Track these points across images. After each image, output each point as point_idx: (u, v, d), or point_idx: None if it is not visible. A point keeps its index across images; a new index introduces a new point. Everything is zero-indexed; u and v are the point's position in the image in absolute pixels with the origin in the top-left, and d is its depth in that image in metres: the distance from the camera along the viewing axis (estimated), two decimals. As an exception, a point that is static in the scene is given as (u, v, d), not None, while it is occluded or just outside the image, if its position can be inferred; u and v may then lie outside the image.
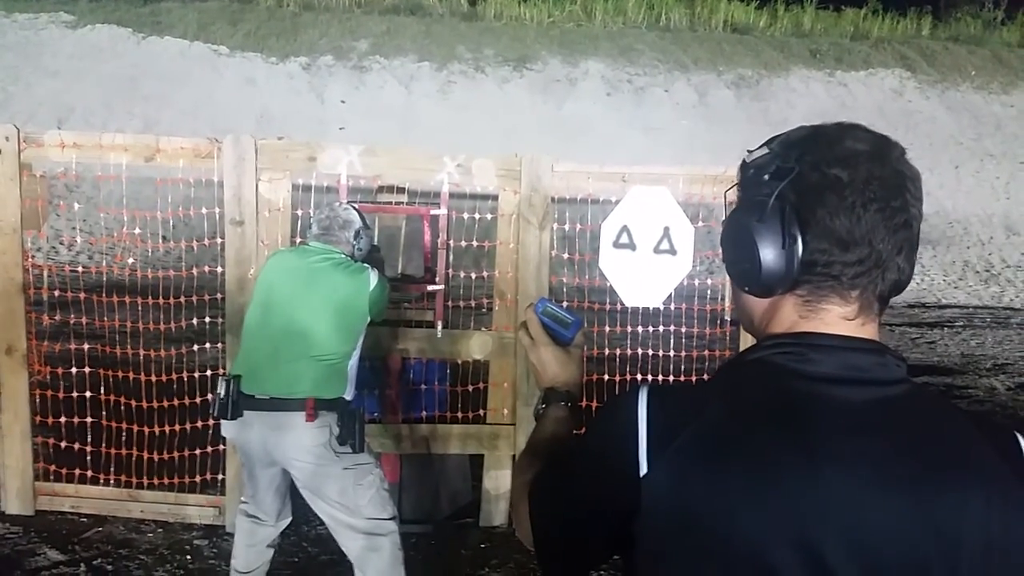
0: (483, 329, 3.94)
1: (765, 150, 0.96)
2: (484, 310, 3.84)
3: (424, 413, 3.86)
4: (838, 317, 0.92)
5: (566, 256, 4.07)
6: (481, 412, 3.92)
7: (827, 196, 0.90)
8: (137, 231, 4.01)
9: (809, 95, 16.96)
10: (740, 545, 0.86)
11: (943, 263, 12.23)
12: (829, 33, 18.84)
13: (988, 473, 0.86)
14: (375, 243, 3.23)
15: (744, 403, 0.91)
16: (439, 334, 3.75)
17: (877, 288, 0.92)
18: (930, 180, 14.86)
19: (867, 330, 0.93)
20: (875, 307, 0.93)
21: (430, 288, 3.74)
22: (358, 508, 2.75)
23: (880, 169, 0.90)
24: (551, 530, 1.02)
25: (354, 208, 3.00)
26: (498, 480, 3.91)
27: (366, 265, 2.88)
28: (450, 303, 3.89)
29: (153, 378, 3.92)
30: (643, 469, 0.90)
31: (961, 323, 9.77)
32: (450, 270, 3.89)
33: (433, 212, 3.76)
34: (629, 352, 4.04)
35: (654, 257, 3.71)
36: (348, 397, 2.78)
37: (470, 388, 3.97)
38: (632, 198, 3.74)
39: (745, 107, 17.01)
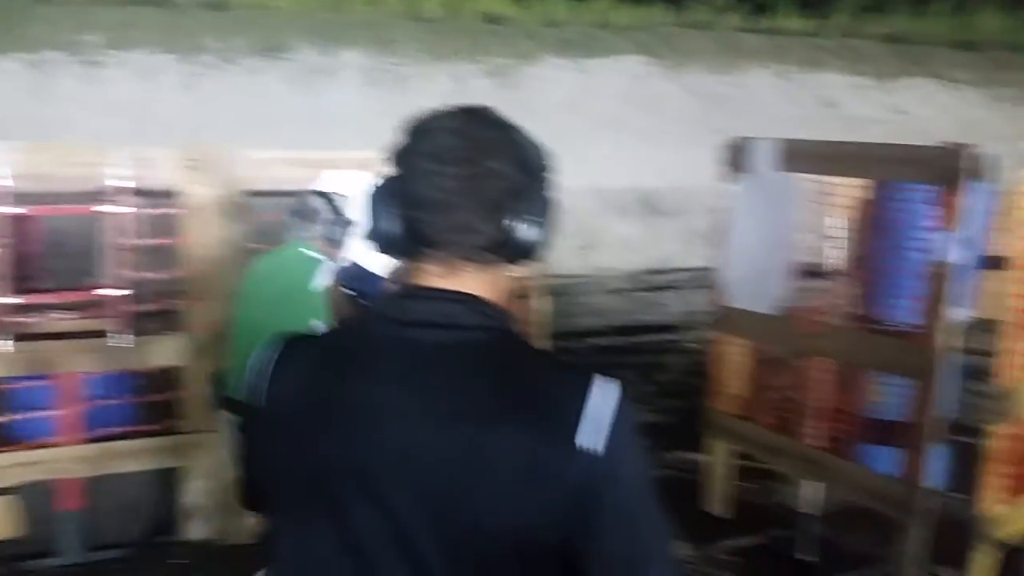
0: (174, 333, 3.71)
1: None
2: (175, 312, 3.60)
3: (110, 430, 3.58)
4: (432, 273, 1.04)
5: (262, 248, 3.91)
6: (175, 422, 3.69)
7: (412, 167, 1.03)
8: None
9: (559, 82, 17.65)
10: (311, 470, 1.00)
11: (678, 231, 13.21)
12: (577, 23, 19.67)
13: (532, 410, 0.96)
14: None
15: (338, 345, 1.08)
16: (122, 342, 3.48)
17: (465, 246, 1.02)
18: (672, 158, 16.05)
19: (462, 283, 1.03)
20: (469, 264, 1.04)
21: (106, 293, 3.46)
22: None
23: (455, 139, 1.02)
24: (242, 473, 1.19)
25: (320, 194, 2.95)
26: (198, 492, 3.71)
27: (321, 261, 2.86)
28: (135, 308, 3.62)
29: None
30: (263, 403, 1.07)
31: (692, 285, 10.65)
32: (133, 272, 3.62)
33: (105, 209, 3.47)
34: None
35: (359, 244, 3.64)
36: None
37: (161, 397, 3.72)
38: (326, 184, 3.63)
39: (502, 95, 17.39)
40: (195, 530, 3.74)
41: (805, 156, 3.47)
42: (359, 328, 1.13)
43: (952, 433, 3.23)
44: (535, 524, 0.97)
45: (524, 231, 1.04)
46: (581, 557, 0.99)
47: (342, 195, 3.01)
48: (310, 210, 2.92)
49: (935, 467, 3.82)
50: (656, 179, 15.21)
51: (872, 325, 3.70)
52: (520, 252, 1.06)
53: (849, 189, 3.50)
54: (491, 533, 0.96)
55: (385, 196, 1.05)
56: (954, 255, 2.90)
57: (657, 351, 7.42)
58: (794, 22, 19.31)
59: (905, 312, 3.14)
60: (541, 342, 5.21)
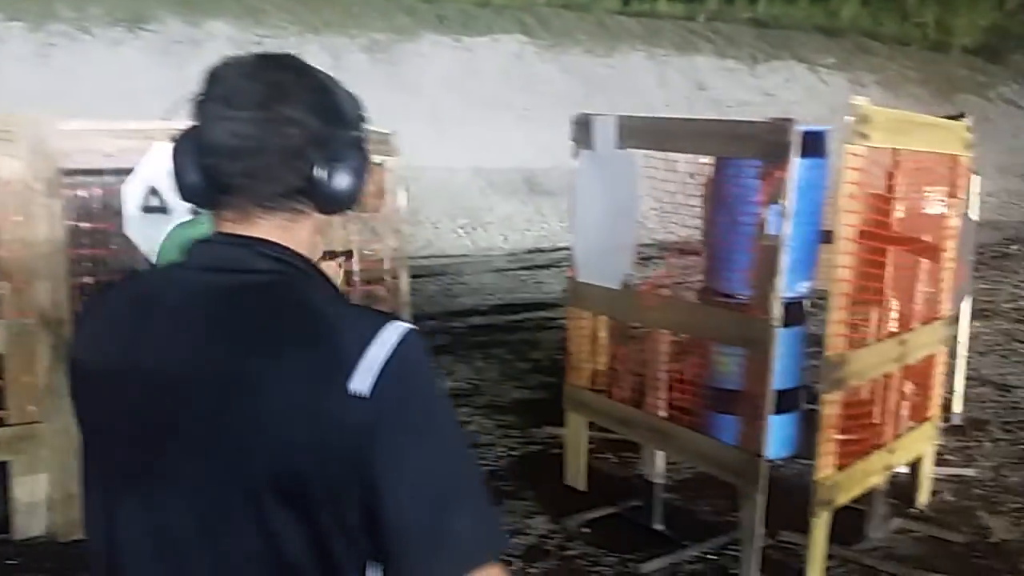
0: (-8, 319, 3.44)
1: None
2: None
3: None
4: (228, 220, 1.04)
5: (86, 226, 3.66)
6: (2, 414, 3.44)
7: (206, 113, 1.00)
8: None
9: (439, 60, 17.46)
10: (94, 424, 1.06)
11: (559, 211, 13.34)
12: (456, 0, 19.44)
13: (311, 351, 0.95)
14: None
15: (137, 293, 1.09)
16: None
17: (261, 193, 1.02)
18: (552, 139, 16.22)
19: (258, 230, 1.03)
20: (267, 211, 1.03)
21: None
22: None
23: (248, 83, 0.99)
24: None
25: None
26: (32, 486, 3.47)
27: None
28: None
29: None
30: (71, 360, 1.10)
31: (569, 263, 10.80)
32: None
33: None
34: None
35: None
36: None
37: (-18, 387, 3.46)
38: (155, 157, 3.43)
39: (380, 71, 17.07)
40: (29, 527, 3.50)
41: (642, 132, 3.51)
42: (162, 275, 1.17)
43: (809, 402, 3.38)
44: (309, 469, 0.94)
45: (329, 180, 1.03)
46: (376, 508, 0.95)
47: None
48: None
49: (780, 435, 3.98)
50: (537, 159, 15.28)
51: (717, 298, 3.82)
52: (327, 201, 1.05)
53: (700, 167, 3.56)
54: (261, 475, 0.94)
55: (183, 146, 1.04)
56: (777, 228, 2.99)
57: (534, 329, 7.49)
58: (667, 6, 19.71)
59: (742, 285, 3.23)
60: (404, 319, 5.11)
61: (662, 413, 3.55)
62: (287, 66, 1.03)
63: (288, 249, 1.04)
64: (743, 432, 3.20)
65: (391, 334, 0.97)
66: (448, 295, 9.32)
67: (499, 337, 7.22)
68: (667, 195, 3.63)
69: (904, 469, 3.95)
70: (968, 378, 5.81)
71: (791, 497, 3.36)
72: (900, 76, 19.27)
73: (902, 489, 3.91)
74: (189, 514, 0.98)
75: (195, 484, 0.97)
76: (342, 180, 1.04)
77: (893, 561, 3.40)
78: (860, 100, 2.96)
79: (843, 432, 3.22)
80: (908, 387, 3.71)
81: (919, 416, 3.77)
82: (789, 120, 2.98)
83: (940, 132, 3.52)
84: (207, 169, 1.02)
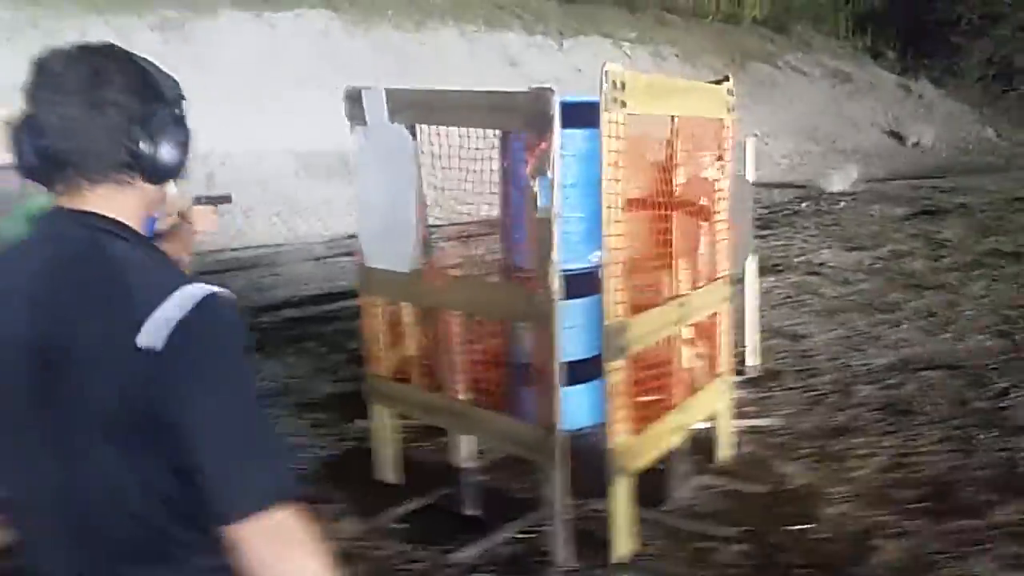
0: None
1: None
2: None
3: None
4: (60, 194, 1.18)
5: None
6: None
7: (36, 99, 1.14)
8: None
9: (239, 36, 16.59)
10: None
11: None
12: (254, -26, 18.50)
13: (108, 307, 1.09)
14: None
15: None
16: None
17: (89, 168, 1.15)
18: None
19: (87, 203, 1.16)
20: (96, 185, 1.16)
21: None
22: None
23: (73, 70, 1.13)
24: None
25: None
26: None
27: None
28: None
29: None
30: None
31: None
32: None
33: None
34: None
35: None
36: None
37: None
38: None
39: (174, 51, 15.98)
40: None
41: (412, 105, 3.36)
42: (9, 250, 1.26)
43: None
44: (122, 419, 1.07)
45: (153, 153, 1.17)
46: (176, 456, 1.08)
47: None
48: None
49: (579, 405, 3.99)
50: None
51: (514, 273, 3.76)
52: (153, 172, 1.19)
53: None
54: (93, 426, 1.08)
55: (18, 130, 1.16)
56: (547, 200, 2.94)
57: (351, 318, 7.20)
58: (475, -20, 19.63)
59: (526, 258, 3.17)
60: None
61: (462, 396, 3.45)
62: (107, 54, 1.17)
63: (107, 218, 1.16)
64: (537, 408, 3.16)
65: (189, 294, 1.09)
66: (259, 288, 8.86)
67: (313, 329, 6.91)
68: (467, 172, 3.50)
69: (705, 425, 4.07)
70: (762, 331, 6.13)
71: (601, 465, 3.34)
72: (697, 47, 20.19)
73: (704, 445, 4.02)
74: (55, 470, 1.12)
75: (51, 443, 1.11)
76: (165, 152, 1.18)
77: (696, 519, 3.47)
78: (613, 66, 2.94)
79: (633, 397, 3.24)
80: (695, 347, 3.81)
81: (710, 374, 3.88)
82: (549, 89, 2.92)
83: (701, 96, 3.60)
84: (41, 150, 1.14)
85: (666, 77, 3.50)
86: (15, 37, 14.38)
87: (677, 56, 20.28)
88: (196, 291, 1.09)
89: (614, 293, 3.03)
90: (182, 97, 1.25)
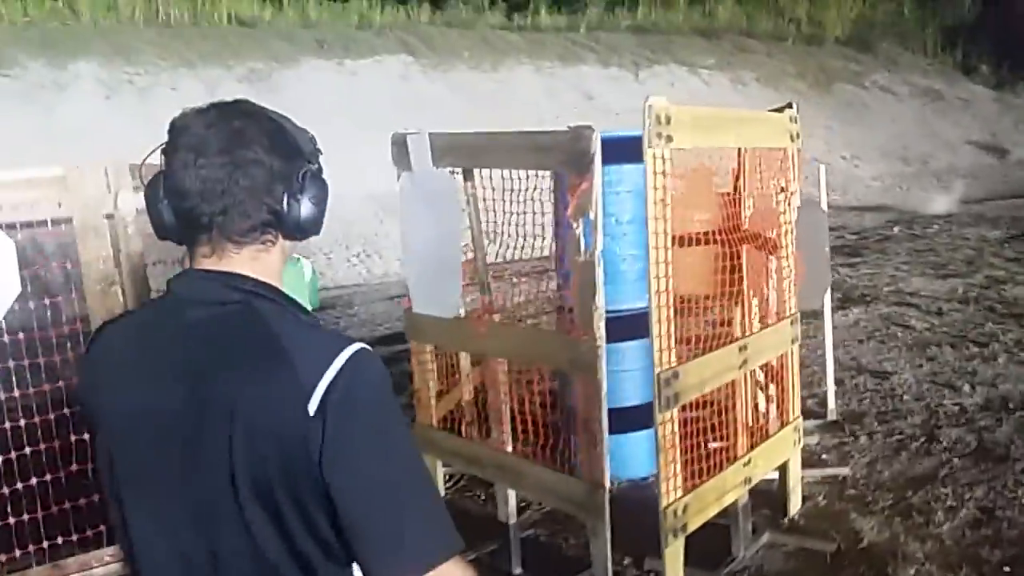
0: None
1: None
2: None
3: None
4: (202, 256, 1.17)
5: None
6: None
7: (175, 161, 1.14)
8: None
9: (320, 85, 17.07)
10: (102, 425, 1.18)
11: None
12: (334, 23, 19.12)
13: (271, 373, 1.07)
14: None
15: (131, 319, 1.28)
16: None
17: (232, 229, 1.13)
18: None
19: (231, 264, 1.15)
20: (238, 246, 1.14)
21: None
22: None
23: (211, 131, 1.12)
24: None
25: None
26: None
27: (298, 257, 2.93)
28: None
29: None
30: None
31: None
32: None
33: None
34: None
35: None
36: None
37: None
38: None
39: (261, 100, 16.47)
40: None
41: (453, 149, 3.28)
42: (151, 312, 1.30)
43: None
44: (277, 479, 1.06)
45: (293, 210, 1.15)
46: (337, 515, 1.08)
47: None
48: None
49: (632, 455, 3.79)
50: (428, 179, 15.04)
51: (569, 316, 3.61)
52: (294, 229, 1.17)
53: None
54: (240, 488, 1.07)
55: (156, 190, 1.16)
56: (587, 242, 2.79)
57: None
58: (549, 18, 19.78)
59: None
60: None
61: (508, 447, 3.30)
62: (244, 112, 1.17)
63: (254, 280, 1.15)
64: (582, 461, 2.98)
65: (343, 357, 1.08)
66: (340, 329, 8.95)
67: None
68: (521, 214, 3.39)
69: (773, 476, 3.81)
70: (846, 368, 5.79)
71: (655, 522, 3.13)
72: (779, 71, 19.74)
73: (773, 498, 3.76)
74: (190, 525, 1.11)
75: (190, 498, 1.11)
76: (306, 209, 1.17)
77: (762, 581, 3.22)
78: (656, 99, 2.78)
79: (690, 449, 3.04)
80: (760, 392, 3.57)
81: (778, 421, 3.62)
82: (588, 128, 2.79)
83: (759, 126, 3.39)
84: (183, 212, 1.14)
85: (718, 108, 3.29)
86: (113, 94, 15.18)
87: (758, 81, 19.86)
88: (347, 352, 1.09)
89: (664, 338, 2.85)
90: (319, 151, 1.24)
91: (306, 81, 17.07)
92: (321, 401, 1.05)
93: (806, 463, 4.25)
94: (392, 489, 1.09)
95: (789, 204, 3.63)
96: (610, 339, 2.85)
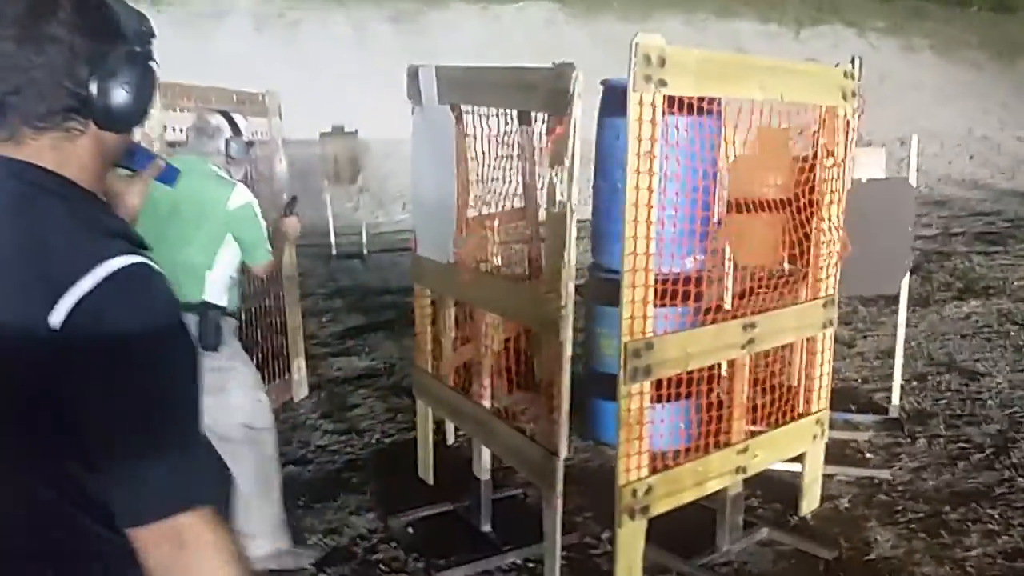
0: None
1: None
2: None
3: None
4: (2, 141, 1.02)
5: None
6: None
7: None
8: None
9: (466, 29, 17.08)
10: None
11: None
12: (484, -34, 18.98)
13: (27, 272, 0.96)
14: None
15: None
16: None
17: (28, 111, 1.00)
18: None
19: (24, 150, 1.02)
20: (38, 131, 1.01)
21: None
22: (224, 415, 2.80)
23: (11, 2, 0.99)
24: None
25: (222, 114, 3.01)
26: None
27: (235, 182, 2.91)
28: None
29: None
30: None
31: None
32: None
33: None
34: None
35: None
36: (214, 301, 2.83)
37: None
38: None
39: (404, 42, 16.79)
40: None
41: (455, 85, 3.09)
42: None
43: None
44: (25, 396, 0.96)
45: (104, 96, 1.02)
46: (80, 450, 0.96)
47: (241, 114, 3.14)
48: (212, 127, 2.95)
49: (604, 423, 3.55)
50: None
51: (603, 275, 3.42)
52: (104, 117, 1.04)
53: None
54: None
55: None
56: (561, 193, 2.56)
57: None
58: (707, -33, 18.83)
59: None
60: (292, 296, 4.83)
61: (485, 403, 3.15)
62: None
63: (47, 171, 1.02)
64: (541, 428, 2.80)
65: (106, 267, 0.94)
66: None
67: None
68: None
69: (795, 468, 3.47)
70: (935, 363, 5.24)
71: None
72: (957, 40, 18.00)
73: (790, 493, 3.44)
74: None
75: None
76: (119, 96, 1.03)
77: (734, 578, 2.94)
78: (648, 37, 2.49)
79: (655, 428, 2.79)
80: (774, 377, 3.24)
81: (795, 410, 3.28)
82: (570, 65, 2.54)
83: (798, 78, 2.99)
84: None
85: (741, 54, 2.92)
86: (262, 27, 15.82)
87: (932, 48, 18.22)
88: (114, 263, 0.95)
89: (636, 306, 2.59)
90: (149, 34, 1.09)
91: (452, 24, 17.12)
92: (71, 311, 0.93)
93: (845, 461, 3.87)
94: (137, 426, 0.96)
95: (836, 173, 3.23)
96: (615, 302, 2.63)
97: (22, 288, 0.95)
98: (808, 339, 3.30)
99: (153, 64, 1.09)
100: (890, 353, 5.09)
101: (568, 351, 2.66)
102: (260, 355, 4.51)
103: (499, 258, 3.16)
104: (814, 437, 3.34)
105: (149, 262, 1.00)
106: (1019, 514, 3.35)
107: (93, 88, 1.02)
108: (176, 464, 0.98)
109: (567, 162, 2.57)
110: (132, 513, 0.97)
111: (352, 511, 3.48)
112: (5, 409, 0.97)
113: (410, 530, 3.30)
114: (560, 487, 2.71)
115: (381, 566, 3.07)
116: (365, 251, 9.47)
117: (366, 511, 3.47)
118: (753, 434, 3.09)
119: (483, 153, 3.15)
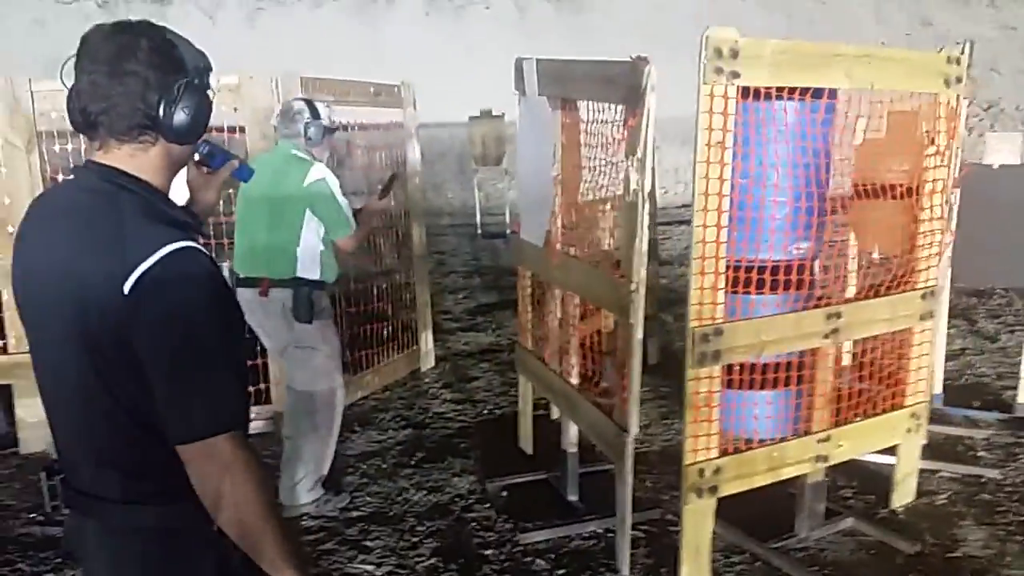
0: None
1: None
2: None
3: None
4: (94, 147, 1.38)
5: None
6: (1, 343, 3.97)
7: (78, 69, 1.34)
8: None
9: (626, 4, 16.95)
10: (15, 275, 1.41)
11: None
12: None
13: (107, 254, 1.27)
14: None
15: (47, 195, 1.51)
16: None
17: (114, 127, 1.34)
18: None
19: (113, 157, 1.36)
20: (120, 142, 1.35)
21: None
22: (293, 377, 3.34)
23: (104, 44, 1.32)
24: None
25: (303, 100, 3.39)
26: (34, 407, 3.97)
27: (315, 161, 3.27)
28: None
29: None
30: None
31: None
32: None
33: None
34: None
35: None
36: (307, 276, 3.23)
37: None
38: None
39: (566, 20, 16.95)
40: (33, 442, 4.04)
41: (550, 77, 3.25)
42: (55, 192, 1.56)
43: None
44: (107, 346, 1.28)
45: (168, 117, 1.34)
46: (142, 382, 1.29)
47: (323, 101, 3.50)
48: (293, 112, 3.30)
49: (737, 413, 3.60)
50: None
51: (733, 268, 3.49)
52: (167, 132, 1.35)
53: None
54: (88, 348, 1.29)
55: (70, 90, 1.36)
56: (635, 182, 2.68)
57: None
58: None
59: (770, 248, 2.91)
60: (421, 268, 5.17)
61: (573, 380, 3.34)
62: (139, 31, 1.34)
63: (128, 174, 1.35)
64: (616, 405, 2.95)
65: (164, 250, 1.26)
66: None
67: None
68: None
69: (884, 460, 3.43)
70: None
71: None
72: None
73: (886, 486, 3.40)
74: (61, 370, 1.36)
75: (61, 350, 1.34)
76: (179, 116, 1.35)
77: (806, 564, 2.97)
78: (719, 29, 2.55)
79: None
80: (864, 368, 3.21)
81: (885, 402, 3.23)
82: (643, 59, 2.65)
83: (886, 66, 2.91)
84: (78, 109, 1.34)
85: (824, 42, 2.89)
86: (432, 11, 16.40)
87: None
88: (171, 247, 1.27)
89: (705, 292, 2.69)
90: (206, 69, 1.41)
91: (613, 1, 17.08)
92: (136, 282, 1.24)
93: (954, 457, 3.76)
94: (183, 367, 1.27)
95: (939, 160, 3.14)
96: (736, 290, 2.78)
97: (107, 263, 1.26)
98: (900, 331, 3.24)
99: (209, 92, 1.41)
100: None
101: (639, 334, 2.80)
102: (390, 328, 4.90)
103: (587, 243, 3.32)
104: (908, 430, 3.28)
105: (196, 245, 1.31)
106: None
107: (161, 111, 1.33)
108: (214, 396, 1.30)
109: (639, 152, 2.69)
110: (180, 433, 1.28)
111: (456, 473, 3.77)
112: (95, 351, 1.29)
113: (504, 494, 3.56)
114: (630, 462, 2.87)
115: (473, 524, 3.34)
116: (508, 231, 9.80)
117: (468, 474, 3.76)
118: (837, 424, 3.10)
119: (593, 142, 3.25)
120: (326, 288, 3.35)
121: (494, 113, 9.50)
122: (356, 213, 3.42)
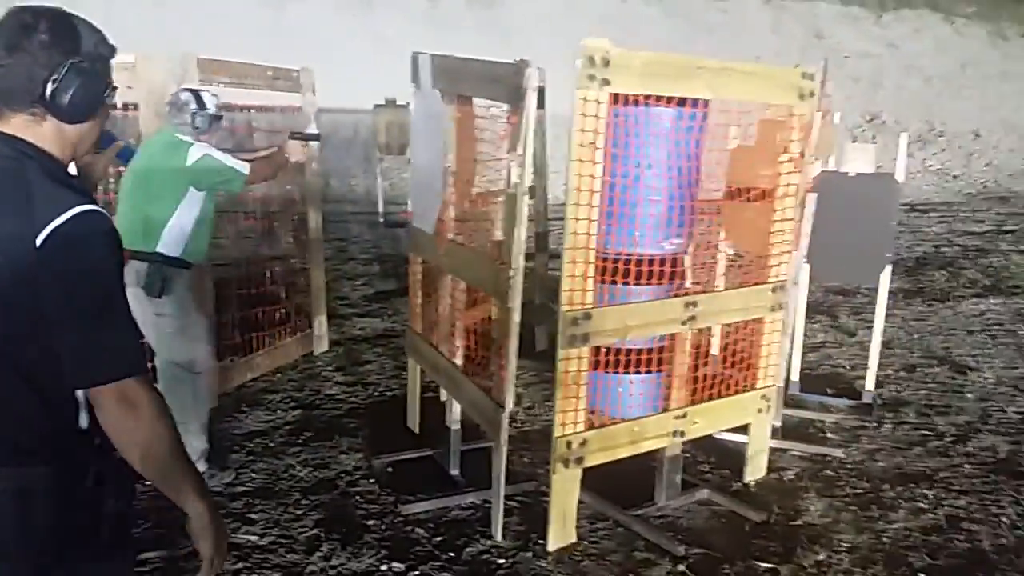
0: None
1: None
2: None
3: None
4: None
5: None
6: None
7: None
8: None
9: (538, 3, 17.24)
10: None
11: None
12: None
13: (19, 214, 1.38)
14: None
15: None
16: None
17: (11, 101, 1.45)
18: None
19: (13, 128, 1.45)
20: (18, 114, 1.45)
21: None
22: (159, 350, 3.44)
23: (7, 25, 1.43)
24: None
25: (190, 90, 3.54)
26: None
27: (193, 142, 3.42)
28: None
29: None
30: None
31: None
32: None
33: None
34: None
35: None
36: (168, 252, 3.37)
37: None
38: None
39: (477, 15, 17.11)
40: None
41: (443, 73, 3.44)
42: None
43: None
44: (17, 301, 1.38)
45: (56, 94, 1.43)
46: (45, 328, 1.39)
47: (209, 91, 3.65)
48: (181, 103, 3.46)
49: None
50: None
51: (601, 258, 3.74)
52: (56, 109, 1.45)
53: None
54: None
55: None
56: (515, 177, 2.90)
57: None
58: (787, -53, 18.44)
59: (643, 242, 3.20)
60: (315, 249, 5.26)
61: (458, 361, 3.54)
62: (42, 13, 1.44)
63: (26, 142, 1.45)
64: (494, 383, 3.16)
65: (72, 211, 1.37)
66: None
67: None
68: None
69: (741, 439, 3.76)
70: (929, 356, 5.39)
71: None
72: (1049, 27, 17.30)
73: (740, 461, 3.72)
74: None
75: None
76: (63, 95, 1.44)
77: (663, 530, 3.26)
78: (593, 41, 2.79)
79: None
80: (720, 354, 3.51)
81: (738, 384, 3.55)
82: (525, 62, 2.86)
83: (746, 80, 3.22)
84: None
85: (692, 56, 3.17)
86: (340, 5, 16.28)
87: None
88: (77, 208, 1.38)
89: (576, 280, 2.93)
90: (102, 55, 1.50)
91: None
92: (47, 236, 1.35)
93: (804, 438, 4.13)
94: (92, 316, 1.39)
95: (794, 167, 3.46)
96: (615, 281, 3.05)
97: (17, 222, 1.37)
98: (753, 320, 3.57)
99: (104, 78, 1.52)
100: (888, 344, 5.28)
101: (516, 317, 3.01)
102: (283, 311, 4.99)
103: (477, 232, 3.52)
104: (759, 411, 3.62)
105: (97, 207, 1.43)
106: (952, 496, 3.56)
107: (48, 89, 1.44)
108: (119, 341, 1.43)
109: (520, 148, 2.91)
110: (94, 376, 1.40)
111: (343, 451, 3.92)
112: (7, 301, 1.39)
113: (389, 470, 3.73)
114: (505, 436, 3.09)
115: (357, 497, 3.50)
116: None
117: (355, 452, 3.91)
118: (693, 402, 3.40)
119: (485, 137, 3.44)
120: (208, 268, 3.49)
121: (399, 103, 9.58)
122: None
